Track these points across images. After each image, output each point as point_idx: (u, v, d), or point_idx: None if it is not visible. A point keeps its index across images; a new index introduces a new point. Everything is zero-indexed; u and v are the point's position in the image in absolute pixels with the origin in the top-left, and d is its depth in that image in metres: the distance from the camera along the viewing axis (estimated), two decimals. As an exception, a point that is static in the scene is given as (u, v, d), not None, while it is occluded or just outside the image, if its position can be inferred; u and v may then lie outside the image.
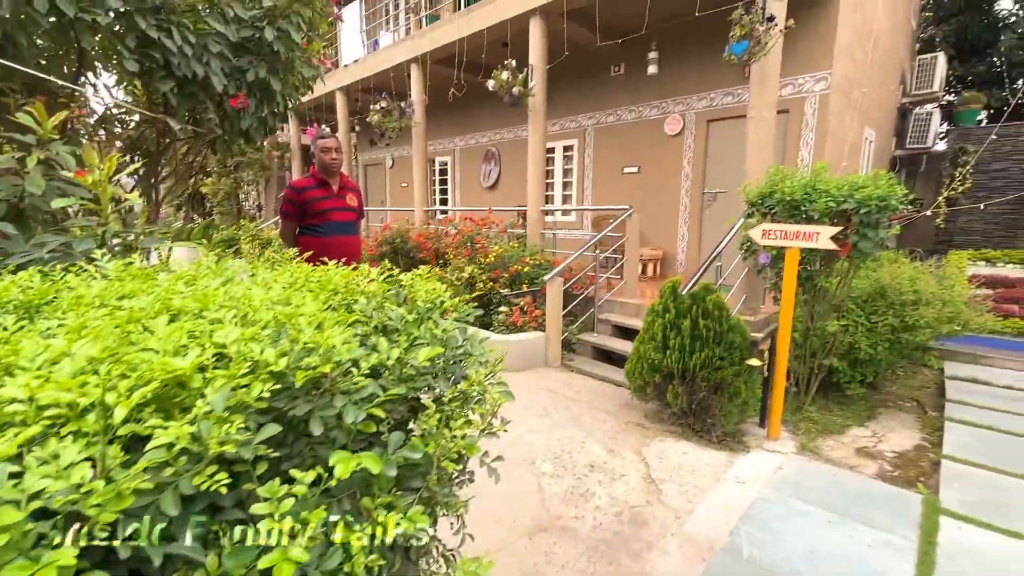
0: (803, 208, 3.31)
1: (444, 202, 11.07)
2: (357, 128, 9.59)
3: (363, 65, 9.04)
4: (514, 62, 5.92)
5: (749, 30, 3.84)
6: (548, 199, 8.77)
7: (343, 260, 2.81)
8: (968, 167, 7.66)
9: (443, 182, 11.03)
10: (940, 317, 3.67)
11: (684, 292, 3.48)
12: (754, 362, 3.13)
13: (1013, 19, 10.15)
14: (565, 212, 8.52)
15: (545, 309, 4.80)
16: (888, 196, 3.12)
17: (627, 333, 5.27)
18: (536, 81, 6.09)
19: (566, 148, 8.32)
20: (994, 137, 7.65)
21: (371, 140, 8.96)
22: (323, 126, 8.07)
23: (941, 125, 9.71)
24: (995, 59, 9.45)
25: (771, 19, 3.77)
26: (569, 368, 4.76)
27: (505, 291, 5.05)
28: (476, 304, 5.00)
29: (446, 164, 10.83)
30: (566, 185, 8.46)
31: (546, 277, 4.61)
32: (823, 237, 3.03)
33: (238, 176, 12.55)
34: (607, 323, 5.28)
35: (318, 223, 3.16)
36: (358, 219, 3.43)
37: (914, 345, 3.74)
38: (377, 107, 7.97)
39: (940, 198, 8.01)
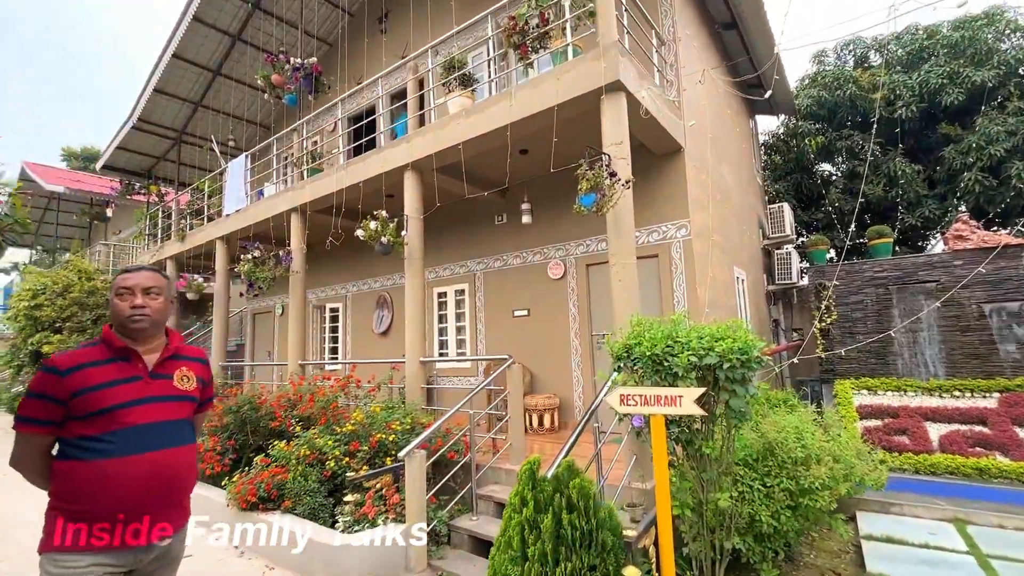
0: (666, 363, 2.94)
1: (336, 351, 10.16)
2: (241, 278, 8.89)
3: (245, 214, 8.66)
4: (384, 212, 5.74)
5: (595, 183, 3.84)
6: (443, 344, 8.23)
7: (156, 498, 1.68)
8: (829, 299, 8.26)
9: (334, 329, 10.25)
10: (835, 475, 3.26)
11: (549, 473, 2.82)
12: (632, 573, 2.41)
13: (833, 178, 12.23)
14: (460, 359, 7.96)
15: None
16: (748, 347, 2.84)
17: (511, 511, 4.41)
18: (412, 229, 5.90)
19: (458, 292, 8.06)
20: (843, 273, 8.46)
21: (240, 293, 8.24)
22: (143, 266, 7.35)
23: (801, 262, 10.83)
24: (828, 209, 11.08)
25: (613, 174, 3.82)
26: (437, 573, 3.72)
27: (352, 474, 4.10)
28: (327, 490, 3.85)
29: (337, 311, 10.18)
30: (460, 330, 8.03)
31: (403, 452, 3.78)
32: (687, 401, 2.60)
33: (95, 331, 10.96)
34: (489, 500, 4.41)
35: (99, 433, 1.63)
36: (195, 413, 1.93)
37: (816, 511, 3.24)
38: (248, 256, 7.40)
39: (815, 329, 8.46)
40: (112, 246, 14.60)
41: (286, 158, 8.53)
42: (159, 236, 11.52)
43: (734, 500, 3.14)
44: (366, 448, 4.46)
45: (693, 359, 2.84)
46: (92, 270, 11.90)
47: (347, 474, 4.09)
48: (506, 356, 4.99)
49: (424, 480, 3.85)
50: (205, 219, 10.00)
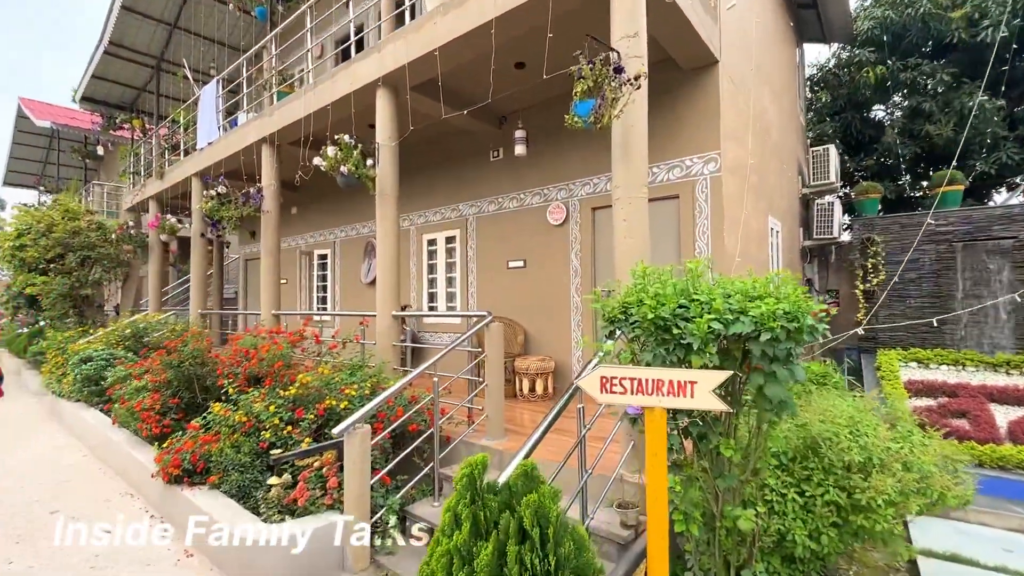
0: (676, 331, 2.04)
1: (326, 301, 9.49)
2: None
3: (217, 148, 7.78)
4: (348, 137, 4.78)
5: (595, 82, 2.82)
6: (432, 297, 7.43)
7: None
8: (878, 256, 7.12)
9: (324, 278, 9.54)
10: (904, 487, 2.38)
11: (502, 478, 2.02)
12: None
13: (889, 120, 10.65)
14: (442, 315, 7.16)
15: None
16: (798, 311, 1.92)
17: (480, 498, 3.69)
18: (383, 159, 4.95)
19: (448, 239, 7.17)
20: (896, 227, 7.25)
21: (202, 233, 7.51)
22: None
23: (844, 216, 9.54)
24: (880, 155, 9.64)
25: (620, 70, 2.78)
26: (382, 573, 3.05)
27: (278, 452, 3.38)
28: (265, 464, 2.90)
29: (326, 258, 9.42)
30: (450, 281, 7.19)
31: (337, 428, 3.02)
32: (703, 390, 1.72)
33: (81, 274, 10.48)
34: (455, 482, 3.68)
35: None
36: None
37: (875, 533, 2.40)
38: (211, 193, 6.58)
39: (857, 291, 7.37)
40: (104, 186, 13.98)
41: (256, 81, 7.52)
42: (142, 174, 10.78)
43: (759, 515, 2.31)
44: (312, 416, 3.74)
45: (716, 326, 1.93)
46: (78, 209, 11.28)
47: (272, 452, 3.38)
48: (484, 312, 4.14)
49: (367, 461, 3.10)
50: (182, 153, 9.17)
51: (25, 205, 12.26)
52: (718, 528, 2.35)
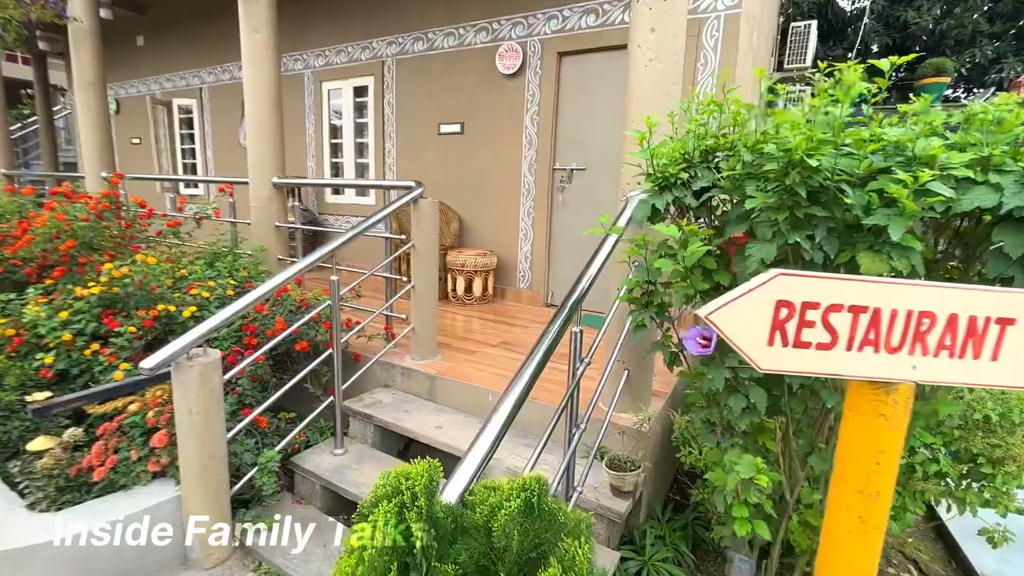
0: (845, 201, 0.96)
1: (193, 168, 7.35)
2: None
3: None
4: None
5: None
6: (336, 169, 5.80)
7: None
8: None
9: (190, 139, 7.29)
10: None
11: (448, 491, 0.95)
12: None
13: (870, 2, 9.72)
14: (359, 192, 5.63)
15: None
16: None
17: (406, 446, 2.71)
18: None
19: (358, 90, 5.40)
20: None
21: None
22: None
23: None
24: (851, 43, 8.83)
25: None
26: (251, 564, 2.01)
27: (36, 397, 2.04)
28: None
29: (191, 111, 7.11)
30: (361, 149, 5.56)
31: (157, 354, 1.74)
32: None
33: None
34: (369, 421, 2.62)
35: None
36: None
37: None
38: (-36, -28, 4.17)
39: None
40: None
41: None
42: None
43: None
44: (133, 328, 2.36)
45: (943, 192, 0.87)
46: None
47: (29, 398, 2.03)
48: (411, 183, 2.83)
49: (217, 404, 1.90)
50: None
51: None
52: (789, 518, 1.54)
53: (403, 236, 3.06)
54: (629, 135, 1.59)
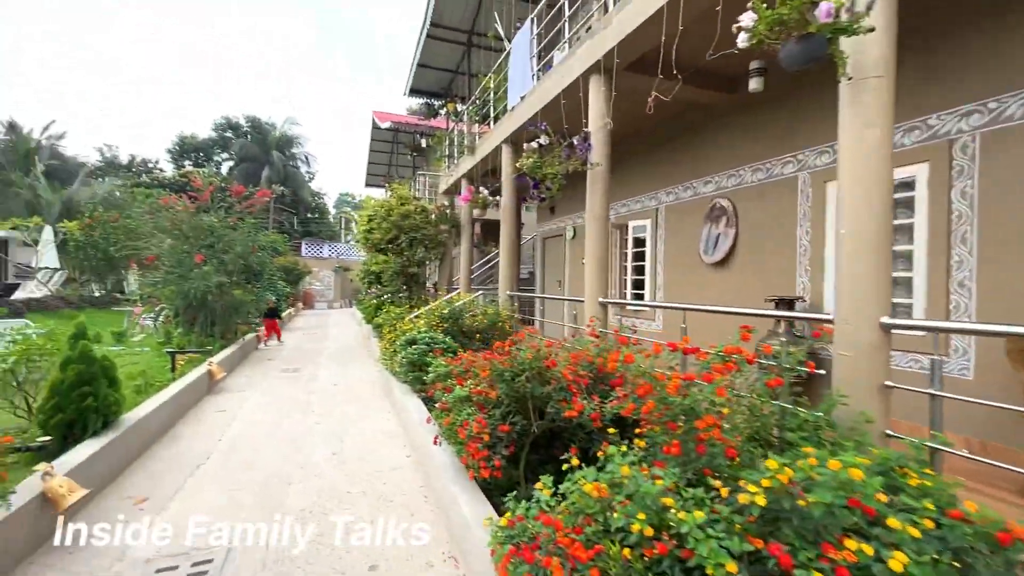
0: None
1: (639, 285, 7.55)
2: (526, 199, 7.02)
3: (530, 101, 6.57)
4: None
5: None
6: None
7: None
8: None
9: (639, 256, 7.58)
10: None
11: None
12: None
13: None
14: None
15: None
16: None
17: None
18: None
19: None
20: None
21: (524, 206, 6.25)
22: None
23: None
24: None
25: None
26: None
27: None
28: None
29: (643, 231, 7.42)
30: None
31: None
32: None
33: (410, 254, 11.36)
34: None
35: None
36: None
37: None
38: (532, 145, 5.21)
39: None
40: (426, 175, 15.52)
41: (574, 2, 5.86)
42: (455, 155, 10.95)
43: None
44: None
45: None
46: (407, 196, 12.40)
47: None
48: None
49: None
50: (491, 122, 8.52)
51: (372, 198, 14.48)
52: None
53: None
54: None
